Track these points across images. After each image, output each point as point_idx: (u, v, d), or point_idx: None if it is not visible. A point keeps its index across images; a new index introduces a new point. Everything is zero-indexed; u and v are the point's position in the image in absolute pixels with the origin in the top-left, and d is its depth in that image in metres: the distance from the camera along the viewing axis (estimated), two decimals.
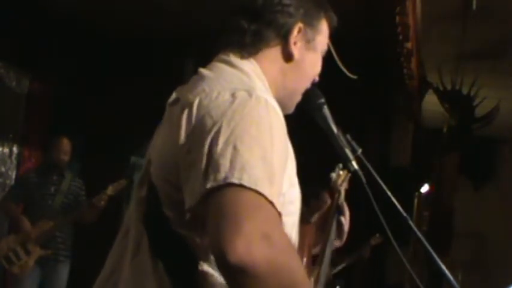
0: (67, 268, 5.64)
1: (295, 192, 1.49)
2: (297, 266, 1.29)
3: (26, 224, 5.40)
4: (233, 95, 1.36)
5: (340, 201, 2.10)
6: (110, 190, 5.39)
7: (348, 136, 1.80)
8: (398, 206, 1.76)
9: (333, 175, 2.20)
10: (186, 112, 1.37)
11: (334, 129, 1.77)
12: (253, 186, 1.24)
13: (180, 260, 1.38)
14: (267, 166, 1.29)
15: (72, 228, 5.70)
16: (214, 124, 1.32)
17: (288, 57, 1.56)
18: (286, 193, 1.43)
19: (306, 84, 1.64)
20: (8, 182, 6.90)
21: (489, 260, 9.80)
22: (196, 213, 1.30)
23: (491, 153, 10.42)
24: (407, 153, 8.02)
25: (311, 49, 1.60)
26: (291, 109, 1.63)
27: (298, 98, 1.64)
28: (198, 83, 1.44)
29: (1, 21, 6.28)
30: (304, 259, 1.69)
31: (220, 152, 1.28)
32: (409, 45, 5.92)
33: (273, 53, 1.55)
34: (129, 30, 7.12)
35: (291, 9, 1.56)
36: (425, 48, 6.66)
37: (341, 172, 2.23)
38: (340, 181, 2.18)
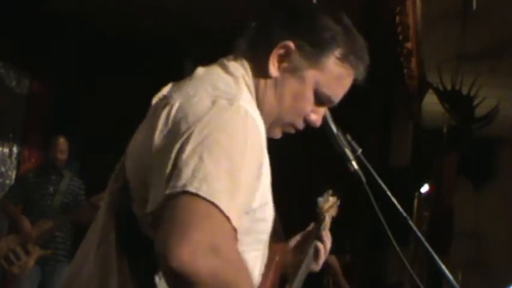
0: (66, 268, 5.64)
1: (268, 210, 1.45)
2: (244, 282, 1.28)
3: (27, 223, 5.40)
4: (213, 102, 1.33)
5: (322, 229, 2.05)
6: None
7: (348, 136, 1.80)
8: (398, 206, 1.76)
9: (320, 200, 2.15)
10: (165, 112, 1.36)
11: (334, 129, 1.77)
12: (209, 198, 1.23)
13: (144, 260, 1.35)
14: (231, 180, 1.27)
15: (72, 228, 5.70)
16: (187, 129, 1.30)
17: (265, 72, 1.48)
18: (258, 210, 1.40)
19: (286, 113, 1.52)
20: (8, 182, 6.90)
21: (489, 260, 9.80)
22: (158, 216, 1.28)
23: (491, 153, 10.41)
24: (407, 153, 8.02)
25: (296, 78, 1.48)
26: (271, 134, 1.53)
27: (277, 124, 1.54)
28: (187, 83, 1.43)
29: (1, 21, 6.28)
30: (270, 276, 1.67)
31: (186, 160, 1.26)
32: (409, 45, 5.92)
33: (259, 64, 1.49)
34: (129, 30, 7.12)
35: (292, 26, 1.48)
36: (425, 48, 6.66)
37: (330, 198, 2.18)
38: (326, 207, 2.13)
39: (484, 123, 7.25)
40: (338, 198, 2.19)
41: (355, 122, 6.56)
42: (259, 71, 1.49)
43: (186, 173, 1.25)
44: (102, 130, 7.34)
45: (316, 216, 2.08)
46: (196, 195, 1.23)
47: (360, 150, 1.79)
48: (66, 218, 5.52)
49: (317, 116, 1.55)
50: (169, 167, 1.28)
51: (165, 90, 1.47)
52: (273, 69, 1.48)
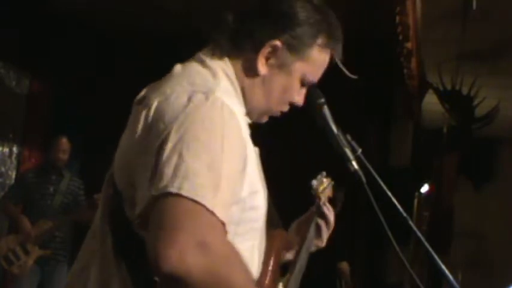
0: (66, 268, 5.64)
1: (259, 198, 1.46)
2: (238, 275, 1.28)
3: (26, 223, 5.40)
4: (189, 99, 1.34)
5: (322, 208, 2.08)
6: None
7: (348, 136, 1.80)
8: (399, 206, 1.76)
9: (314, 182, 2.17)
10: (143, 115, 1.37)
11: (334, 129, 1.77)
12: (191, 196, 1.24)
13: (142, 261, 1.35)
14: (213, 174, 1.27)
15: (71, 228, 5.70)
16: (164, 129, 1.31)
17: (253, 71, 1.51)
18: (248, 199, 1.41)
19: (274, 105, 1.57)
20: (8, 182, 6.90)
21: (489, 260, 9.80)
22: (145, 219, 1.29)
23: (491, 153, 10.41)
24: (407, 153, 8.02)
25: (285, 72, 1.52)
26: (256, 121, 1.58)
27: (264, 114, 1.59)
28: (163, 83, 1.44)
29: (1, 21, 6.28)
30: (271, 262, 1.68)
31: (166, 160, 1.27)
32: (409, 45, 5.91)
33: (246, 63, 1.51)
34: (129, 30, 7.12)
35: (277, 25, 1.49)
36: (425, 48, 6.66)
37: (324, 179, 2.20)
38: (321, 188, 2.15)
39: (484, 123, 7.24)
40: (331, 180, 2.22)
41: (355, 122, 6.57)
42: (246, 70, 1.51)
43: (167, 173, 1.26)
44: (102, 130, 7.33)
45: (313, 198, 2.11)
46: (179, 195, 1.24)
47: (360, 150, 1.79)
48: (66, 218, 5.52)
49: (300, 97, 1.60)
50: (151, 168, 1.29)
51: (143, 91, 1.48)
52: (262, 68, 1.50)
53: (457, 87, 6.98)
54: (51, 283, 5.58)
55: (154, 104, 1.37)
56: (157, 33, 7.05)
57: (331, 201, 2.18)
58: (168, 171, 1.26)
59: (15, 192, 5.70)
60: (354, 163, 1.77)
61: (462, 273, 7.51)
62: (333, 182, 2.22)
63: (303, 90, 1.61)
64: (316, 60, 1.56)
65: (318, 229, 2.01)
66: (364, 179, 1.76)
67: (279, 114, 1.61)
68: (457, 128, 7.27)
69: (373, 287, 7.49)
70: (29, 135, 7.18)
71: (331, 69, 1.75)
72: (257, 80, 1.52)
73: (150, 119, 1.35)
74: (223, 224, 1.27)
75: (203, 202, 1.24)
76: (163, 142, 1.29)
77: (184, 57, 1.59)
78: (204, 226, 1.23)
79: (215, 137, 1.31)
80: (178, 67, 1.50)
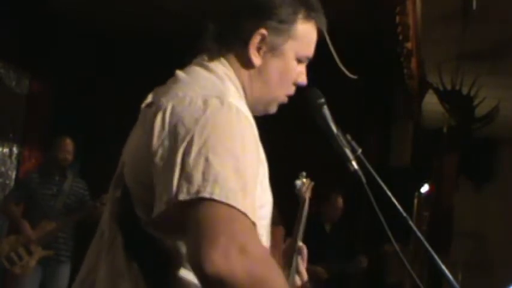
0: (68, 268, 5.64)
1: (267, 197, 1.50)
2: (276, 275, 1.31)
3: (27, 227, 5.40)
4: (205, 102, 1.36)
5: (305, 212, 2.09)
6: None
7: (348, 136, 1.80)
8: (398, 206, 1.76)
9: (298, 182, 2.18)
10: (159, 117, 1.38)
11: (334, 129, 1.77)
12: (224, 200, 1.27)
13: (154, 261, 1.40)
14: (240, 177, 1.30)
15: (74, 229, 5.70)
16: (187, 133, 1.33)
17: (248, 64, 1.54)
18: (257, 198, 1.43)
19: (277, 91, 1.60)
20: (8, 182, 6.90)
21: (489, 260, 9.80)
22: (165, 218, 1.33)
23: (491, 153, 10.41)
24: (407, 153, 8.02)
25: (277, 56, 1.55)
26: (266, 112, 1.62)
27: (271, 103, 1.61)
28: (172, 86, 1.46)
29: (1, 21, 6.28)
30: (275, 258, 1.71)
31: (193, 163, 1.29)
32: (409, 45, 5.91)
33: (237, 58, 1.54)
34: (129, 30, 7.12)
35: (259, 13, 1.52)
36: (425, 48, 6.65)
37: (304, 180, 2.21)
38: (305, 189, 2.16)
39: (484, 123, 7.25)
40: (311, 181, 2.23)
41: (355, 122, 6.58)
42: (241, 66, 1.54)
43: (197, 177, 1.28)
44: (102, 130, 7.34)
45: (297, 198, 2.12)
46: (213, 200, 1.26)
47: (360, 150, 1.79)
48: (69, 219, 5.53)
49: (302, 76, 1.62)
50: (177, 171, 1.31)
51: (150, 96, 1.50)
52: (256, 59, 1.53)
53: (457, 87, 6.98)
54: (53, 283, 5.58)
55: (169, 107, 1.38)
56: (157, 33, 7.05)
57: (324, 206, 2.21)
58: (198, 175, 1.28)
59: (18, 192, 5.70)
60: (354, 163, 1.77)
61: (462, 273, 7.51)
62: (312, 183, 2.24)
63: (303, 68, 1.62)
64: (304, 35, 1.57)
65: (297, 265, 2.01)
66: (364, 179, 1.76)
67: (286, 100, 1.63)
68: (457, 128, 7.27)
69: (373, 287, 7.49)
70: (29, 135, 7.18)
71: (331, 69, 1.75)
72: (253, 72, 1.54)
73: (167, 122, 1.37)
74: (255, 225, 1.31)
75: (236, 206, 1.27)
76: (188, 146, 1.31)
77: (184, 57, 1.60)
78: (241, 230, 1.27)
79: (236, 142, 1.33)
80: (181, 73, 1.51)
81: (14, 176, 7.00)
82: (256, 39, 1.52)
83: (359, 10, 5.93)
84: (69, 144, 5.71)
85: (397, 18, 5.41)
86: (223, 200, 1.26)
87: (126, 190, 1.45)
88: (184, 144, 1.32)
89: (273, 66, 1.55)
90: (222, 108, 1.36)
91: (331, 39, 1.65)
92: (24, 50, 6.81)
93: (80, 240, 5.92)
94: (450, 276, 1.74)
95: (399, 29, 5.54)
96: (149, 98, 1.49)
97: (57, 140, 5.74)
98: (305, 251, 2.00)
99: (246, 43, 1.52)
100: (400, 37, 5.69)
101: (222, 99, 1.37)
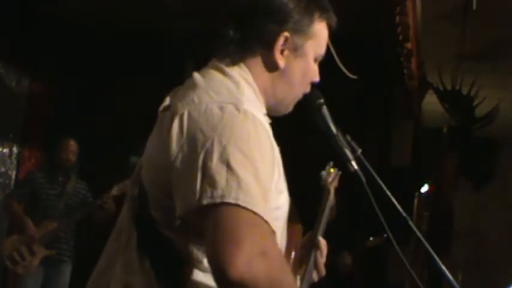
0: (69, 268, 5.65)
1: (283, 198, 1.53)
2: (291, 281, 1.36)
3: (30, 225, 5.41)
4: (221, 109, 1.39)
5: (329, 202, 2.10)
6: (115, 190, 5.41)
7: (348, 136, 1.80)
8: (398, 206, 1.76)
9: (323, 173, 2.19)
10: (176, 123, 1.41)
11: (334, 129, 1.77)
12: (248, 206, 1.29)
13: (166, 260, 1.43)
14: (260, 184, 1.34)
15: (75, 229, 5.70)
16: (206, 140, 1.35)
17: (273, 66, 1.56)
18: (273, 200, 1.46)
19: (300, 90, 1.64)
20: (8, 182, 6.90)
21: (489, 260, 9.80)
22: (186, 221, 1.37)
23: (491, 153, 10.41)
24: (407, 153, 8.02)
25: (300, 56, 1.58)
26: (286, 111, 1.66)
27: (292, 102, 1.65)
28: (189, 91, 1.47)
29: (1, 21, 6.28)
30: (292, 256, 1.73)
31: (215, 169, 1.32)
32: (409, 45, 5.91)
33: (259, 62, 1.56)
34: (129, 30, 7.12)
35: (278, 16, 1.54)
36: (425, 48, 6.65)
37: (331, 170, 2.22)
38: (330, 179, 2.17)
39: (484, 123, 7.24)
40: (339, 170, 2.24)
41: (355, 122, 6.58)
42: (264, 69, 1.56)
43: (220, 182, 1.31)
44: (102, 130, 7.33)
45: (321, 189, 2.12)
46: (237, 205, 1.29)
47: (359, 151, 1.79)
48: (70, 219, 5.53)
49: (317, 74, 1.67)
50: (199, 175, 1.33)
51: (167, 99, 1.52)
52: (280, 61, 1.56)
53: (457, 87, 6.98)
54: (55, 283, 5.59)
55: (186, 113, 1.41)
56: (158, 33, 7.05)
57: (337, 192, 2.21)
58: (221, 180, 1.31)
59: (21, 192, 5.70)
60: (354, 163, 1.77)
61: (462, 273, 7.51)
62: (340, 172, 2.24)
63: (316, 67, 1.67)
64: (320, 34, 1.62)
65: (315, 261, 2.01)
66: (364, 179, 1.76)
67: (301, 96, 1.67)
68: (457, 128, 7.27)
69: (373, 287, 7.49)
70: (29, 135, 7.18)
71: (331, 69, 1.75)
72: (276, 74, 1.57)
73: (185, 127, 1.40)
74: (273, 232, 1.35)
75: (258, 212, 1.30)
76: (208, 152, 1.34)
77: (185, 57, 1.61)
78: (263, 235, 1.30)
79: (253, 148, 1.37)
80: (198, 76, 1.52)
81: (14, 176, 6.99)
82: (280, 42, 1.54)
83: (359, 10, 5.93)
84: (73, 145, 5.74)
85: (397, 18, 5.41)
86: (248, 206, 1.30)
87: (143, 190, 1.48)
88: (204, 151, 1.35)
89: (296, 67, 1.58)
90: (238, 115, 1.38)
91: (331, 39, 1.66)
92: (24, 50, 6.81)
93: (81, 241, 5.92)
94: (450, 276, 1.74)
95: (399, 29, 5.54)
96: (167, 101, 1.52)
97: (61, 141, 5.75)
98: (324, 245, 2.00)
99: (270, 46, 1.54)
100: (400, 37, 5.69)
101: (237, 106, 1.40)
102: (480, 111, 7.18)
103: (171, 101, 1.50)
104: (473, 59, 6.75)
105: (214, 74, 1.52)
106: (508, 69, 7.25)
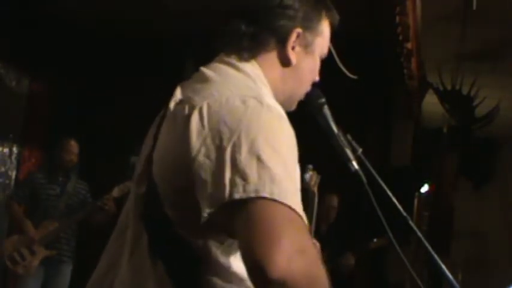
0: (70, 268, 5.65)
1: (299, 195, 1.50)
2: (325, 275, 1.31)
3: (30, 227, 5.41)
4: (244, 102, 1.34)
5: (315, 203, 2.10)
6: (116, 192, 5.40)
7: (349, 136, 1.80)
8: (399, 206, 1.76)
9: (307, 176, 2.18)
10: (195, 116, 1.35)
11: (335, 129, 1.77)
12: (284, 201, 1.24)
13: (183, 262, 1.37)
14: (290, 177, 1.30)
15: (76, 229, 5.70)
16: (232, 133, 1.30)
17: (285, 62, 1.54)
18: None
19: (305, 88, 1.62)
20: (8, 182, 6.90)
21: (489, 260, 9.80)
22: (212, 218, 1.29)
23: (491, 153, 10.41)
24: (407, 153, 8.02)
25: (309, 53, 1.57)
26: (291, 109, 1.62)
27: (297, 99, 1.63)
28: (204, 86, 1.43)
29: (1, 21, 6.28)
30: None
31: (245, 162, 1.27)
32: (409, 45, 5.92)
33: (271, 58, 1.53)
34: (129, 30, 7.12)
35: (290, 12, 1.52)
36: (425, 48, 6.66)
37: (311, 173, 2.22)
38: (313, 182, 2.17)
39: (484, 123, 7.24)
40: (318, 174, 2.23)
41: (355, 122, 6.58)
42: (275, 65, 1.54)
43: (252, 176, 1.26)
44: (102, 130, 7.34)
45: (305, 192, 2.11)
46: (272, 200, 1.24)
47: (360, 150, 1.79)
48: (71, 219, 5.53)
49: (317, 73, 1.65)
50: (228, 169, 1.28)
51: (179, 94, 1.46)
52: (293, 57, 1.54)
53: (457, 87, 6.98)
54: (55, 283, 5.58)
55: (205, 106, 1.36)
56: (158, 33, 7.05)
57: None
58: (253, 174, 1.26)
59: (22, 192, 5.70)
60: (354, 163, 1.77)
61: (462, 273, 7.51)
62: (319, 176, 2.24)
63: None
64: (325, 33, 1.62)
65: None
66: (364, 179, 1.76)
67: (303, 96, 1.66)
68: (457, 128, 7.27)
69: (373, 287, 7.49)
70: (29, 135, 7.18)
71: (331, 69, 1.75)
72: (287, 71, 1.55)
73: (205, 120, 1.34)
74: (306, 225, 1.30)
75: (293, 206, 1.26)
76: (236, 145, 1.29)
77: (185, 57, 1.60)
78: (299, 231, 1.25)
79: (280, 141, 1.32)
80: (209, 71, 1.48)
81: (14, 176, 6.99)
82: (293, 38, 1.53)
83: (359, 10, 5.93)
84: (74, 145, 5.73)
85: (397, 18, 5.41)
86: (283, 200, 1.24)
87: (153, 188, 1.41)
88: (231, 144, 1.29)
89: (305, 64, 1.57)
90: (262, 109, 1.34)
91: (331, 39, 1.66)
92: (24, 50, 6.81)
93: (81, 241, 5.92)
94: (450, 276, 1.74)
95: (399, 29, 5.55)
96: (178, 95, 1.46)
97: (62, 141, 5.74)
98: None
99: (283, 42, 1.52)
100: (400, 37, 5.70)
101: (259, 100, 1.36)
102: (480, 111, 7.18)
103: (183, 95, 1.45)
104: (473, 59, 6.75)
105: (228, 70, 1.49)
106: (508, 69, 7.25)
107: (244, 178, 1.26)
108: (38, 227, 5.42)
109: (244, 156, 1.27)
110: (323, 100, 1.76)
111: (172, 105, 1.44)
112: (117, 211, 5.61)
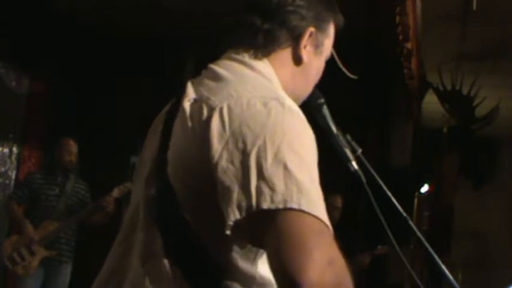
0: (69, 269, 5.65)
1: None
2: (352, 284, 1.29)
3: (29, 227, 5.40)
4: (265, 105, 1.31)
5: None
6: (116, 192, 5.40)
7: (348, 136, 1.80)
8: (398, 206, 1.76)
9: None
10: (216, 118, 1.31)
11: (334, 129, 1.77)
12: (311, 211, 1.22)
13: (202, 269, 1.34)
14: (316, 186, 1.27)
15: (76, 230, 5.70)
16: (256, 137, 1.27)
17: (297, 60, 1.52)
18: None
19: (311, 88, 1.61)
20: (8, 182, 6.90)
21: (489, 259, 9.81)
22: (241, 225, 1.26)
23: (491, 153, 10.42)
24: (407, 153, 8.02)
25: (318, 54, 1.56)
26: None
27: (302, 100, 1.61)
28: (220, 85, 1.39)
29: (1, 21, 6.28)
30: None
31: (271, 170, 1.24)
32: (409, 45, 5.92)
33: (284, 56, 1.51)
34: (129, 30, 7.12)
35: (303, 11, 1.51)
36: (425, 48, 6.66)
37: None
38: None
39: (484, 123, 7.25)
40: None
41: (355, 122, 6.57)
42: (287, 64, 1.52)
43: (279, 185, 1.23)
44: (102, 130, 7.34)
45: None
46: (301, 211, 1.22)
47: (360, 150, 1.79)
48: (71, 219, 5.53)
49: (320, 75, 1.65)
50: (253, 177, 1.25)
51: (191, 92, 1.42)
52: (306, 56, 1.53)
53: (457, 87, 6.99)
54: (55, 284, 5.58)
55: (225, 107, 1.32)
56: (158, 33, 7.05)
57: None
58: (280, 183, 1.23)
59: (21, 193, 5.70)
60: (354, 163, 1.77)
61: (462, 273, 7.52)
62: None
63: None
64: (332, 34, 1.61)
65: None
66: (364, 179, 1.76)
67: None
68: (457, 128, 7.28)
69: (373, 287, 7.49)
70: (29, 135, 7.18)
71: (331, 69, 1.75)
72: (298, 70, 1.53)
73: (227, 123, 1.30)
74: (333, 235, 1.28)
75: (321, 217, 1.24)
76: (261, 151, 1.25)
77: (185, 57, 1.59)
78: (329, 242, 1.24)
79: (305, 147, 1.30)
80: (220, 69, 1.44)
81: (14, 176, 6.99)
82: (307, 36, 1.52)
83: (359, 10, 5.93)
84: (73, 145, 5.72)
85: (397, 18, 5.41)
86: (311, 211, 1.22)
87: (168, 190, 1.37)
88: (256, 149, 1.26)
89: (314, 64, 1.56)
90: (284, 112, 1.31)
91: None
92: (24, 50, 6.81)
93: (81, 241, 5.92)
94: (450, 276, 1.74)
95: (399, 29, 5.55)
96: (191, 94, 1.41)
97: (61, 141, 5.73)
98: None
99: (297, 40, 1.51)
100: (400, 37, 5.70)
101: (280, 102, 1.32)
102: (480, 111, 7.19)
103: (196, 94, 1.40)
104: (473, 59, 6.76)
105: (240, 68, 1.45)
106: (508, 69, 7.26)
107: (271, 187, 1.23)
108: (38, 227, 5.42)
109: (270, 163, 1.24)
110: (322, 100, 1.76)
111: (187, 104, 1.39)
112: (117, 211, 5.62)
